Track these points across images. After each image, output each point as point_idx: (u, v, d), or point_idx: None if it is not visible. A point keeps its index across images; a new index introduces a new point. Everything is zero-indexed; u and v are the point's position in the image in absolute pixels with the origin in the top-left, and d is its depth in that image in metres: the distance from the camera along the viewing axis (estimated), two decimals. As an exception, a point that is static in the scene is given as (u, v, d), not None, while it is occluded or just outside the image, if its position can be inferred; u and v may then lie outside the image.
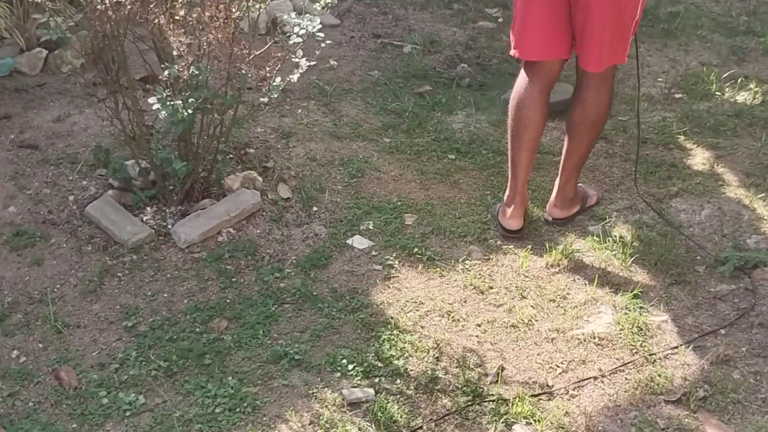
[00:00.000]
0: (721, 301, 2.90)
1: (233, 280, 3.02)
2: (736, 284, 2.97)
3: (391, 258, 3.14)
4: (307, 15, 3.01)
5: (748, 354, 2.71)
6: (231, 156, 3.54)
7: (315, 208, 3.39)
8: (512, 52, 3.10)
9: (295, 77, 3.00)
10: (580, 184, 3.42)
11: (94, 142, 3.53)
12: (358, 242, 3.22)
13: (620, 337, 2.78)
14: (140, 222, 3.18)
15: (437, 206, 3.43)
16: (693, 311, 2.87)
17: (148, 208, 3.24)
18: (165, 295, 2.95)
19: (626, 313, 2.85)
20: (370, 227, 3.30)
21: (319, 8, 3.03)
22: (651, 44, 4.79)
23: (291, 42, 2.93)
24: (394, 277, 3.06)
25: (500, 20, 5.12)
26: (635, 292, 2.94)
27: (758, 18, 5.17)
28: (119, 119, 3.13)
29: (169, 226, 3.19)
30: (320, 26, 2.93)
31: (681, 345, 2.74)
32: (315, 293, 2.97)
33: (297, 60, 3.02)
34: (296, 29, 2.91)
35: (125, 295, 2.95)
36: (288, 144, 3.74)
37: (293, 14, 3.01)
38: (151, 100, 2.79)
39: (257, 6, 3.01)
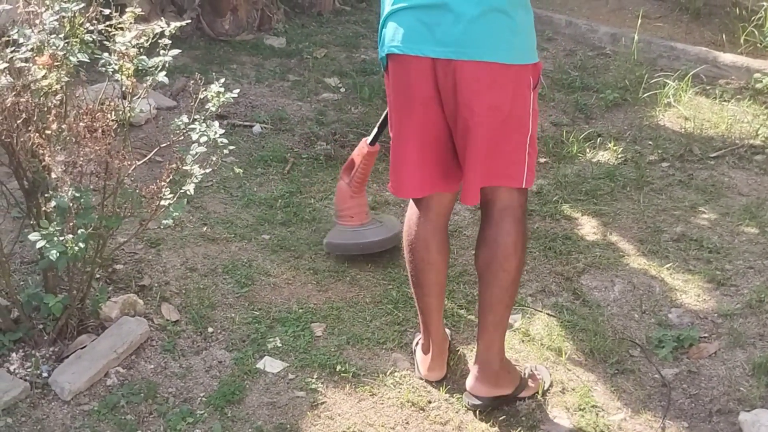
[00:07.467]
0: (671, 389, 2.77)
1: (138, 433, 2.56)
2: (678, 367, 2.85)
3: (313, 380, 2.78)
4: (198, 117, 2.63)
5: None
6: (98, 277, 3.05)
7: (210, 329, 2.97)
8: (389, 186, 2.63)
9: (191, 188, 2.60)
10: (527, 368, 2.82)
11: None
12: (270, 365, 2.84)
13: (587, 446, 2.58)
14: (8, 374, 2.63)
15: (343, 310, 3.11)
16: (647, 404, 2.71)
17: (14, 354, 2.70)
18: (59, 466, 2.44)
19: (582, 416, 2.66)
20: (278, 345, 2.92)
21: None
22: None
23: (193, 152, 2.53)
24: (321, 403, 2.70)
25: (342, 90, 4.90)
26: (584, 390, 2.75)
27: (588, 72, 5.26)
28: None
29: (45, 374, 2.67)
30: (222, 132, 2.55)
31: (647, 444, 2.58)
32: (240, 438, 2.56)
33: (188, 168, 2.63)
34: (195, 135, 2.52)
35: (7, 472, 2.41)
36: (159, 254, 3.29)
37: (184, 117, 2.61)
38: (33, 236, 2.29)
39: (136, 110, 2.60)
